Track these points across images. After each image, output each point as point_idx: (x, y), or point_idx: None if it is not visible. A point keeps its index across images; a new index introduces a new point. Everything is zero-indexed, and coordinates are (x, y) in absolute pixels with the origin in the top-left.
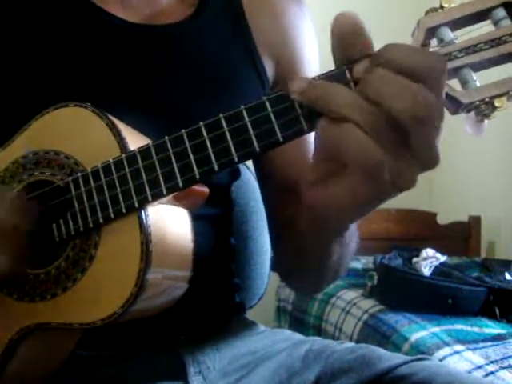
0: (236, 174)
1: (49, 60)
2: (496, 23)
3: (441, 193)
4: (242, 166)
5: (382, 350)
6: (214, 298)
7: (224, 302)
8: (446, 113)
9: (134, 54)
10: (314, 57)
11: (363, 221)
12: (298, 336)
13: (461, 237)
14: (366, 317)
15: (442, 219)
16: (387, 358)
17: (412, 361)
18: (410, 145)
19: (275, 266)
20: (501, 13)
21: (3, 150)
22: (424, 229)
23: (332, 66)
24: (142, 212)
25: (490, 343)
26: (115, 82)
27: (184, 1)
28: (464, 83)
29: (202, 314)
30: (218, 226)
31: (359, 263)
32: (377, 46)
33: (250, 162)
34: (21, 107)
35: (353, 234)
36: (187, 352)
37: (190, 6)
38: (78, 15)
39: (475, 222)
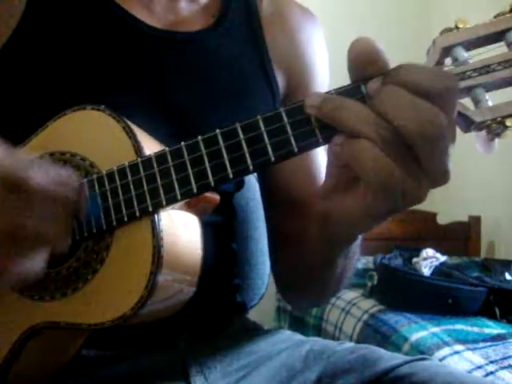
0: (240, 184)
1: (71, 61)
2: (509, 45)
3: (441, 193)
4: None
5: (382, 350)
6: (215, 299)
7: (225, 303)
8: None
9: (154, 59)
10: (325, 72)
11: None
12: (298, 336)
13: (461, 237)
14: (366, 317)
15: (442, 219)
16: (388, 358)
17: (412, 361)
18: (419, 162)
19: (275, 281)
20: None
21: (20, 151)
22: (424, 229)
23: (341, 77)
24: (155, 216)
25: (489, 343)
26: (134, 85)
27: (206, 11)
28: (476, 102)
29: (204, 315)
30: (221, 232)
31: (359, 263)
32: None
33: None
34: (41, 108)
35: (357, 246)
36: (189, 352)
37: (211, 16)
38: (103, 17)
39: (475, 222)
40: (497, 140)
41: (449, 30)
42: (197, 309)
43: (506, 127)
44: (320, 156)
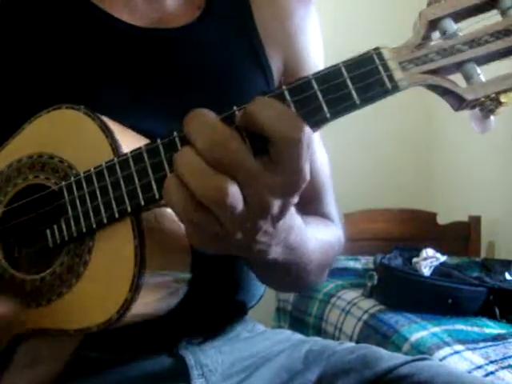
0: None
1: (53, 63)
2: (504, 13)
3: (441, 193)
4: None
5: (382, 350)
6: (214, 299)
7: (225, 303)
8: (444, 112)
9: (139, 58)
10: (319, 56)
11: (363, 221)
12: (298, 336)
13: (461, 237)
14: (366, 317)
15: (442, 219)
16: (388, 357)
17: (413, 361)
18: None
19: None
20: (509, 1)
21: None
22: (424, 229)
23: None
24: (135, 217)
25: (490, 343)
26: (120, 86)
27: (190, 4)
28: (468, 78)
29: (204, 316)
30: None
31: (359, 263)
32: (380, 42)
33: None
34: (24, 110)
35: (304, 255)
36: (190, 355)
37: (196, 8)
38: (84, 19)
39: (475, 222)
40: (492, 117)
41: (436, 0)
42: (197, 310)
43: (501, 103)
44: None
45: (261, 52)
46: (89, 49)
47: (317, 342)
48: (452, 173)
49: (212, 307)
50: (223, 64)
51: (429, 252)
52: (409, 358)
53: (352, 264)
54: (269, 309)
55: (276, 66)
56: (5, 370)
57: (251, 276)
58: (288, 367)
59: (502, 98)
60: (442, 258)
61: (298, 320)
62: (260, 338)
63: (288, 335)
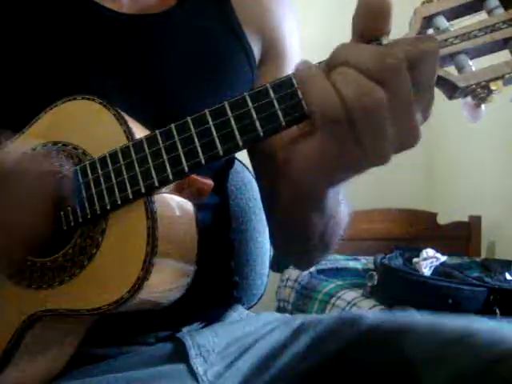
0: (231, 162)
1: (38, 50)
2: (489, 12)
3: (441, 193)
4: (241, 166)
5: (370, 313)
6: (212, 296)
7: (223, 301)
8: (444, 112)
9: (123, 44)
10: (295, 31)
11: (363, 221)
12: (286, 315)
13: (461, 237)
14: None
15: (443, 219)
16: (375, 316)
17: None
18: (358, 139)
19: (271, 240)
20: (494, 2)
21: (13, 143)
22: (424, 229)
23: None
24: (149, 198)
25: None
26: (106, 72)
27: None
28: (460, 68)
29: (201, 311)
30: (216, 214)
31: (359, 263)
32: None
33: (248, 163)
34: (18, 98)
35: (337, 207)
36: (188, 337)
37: None
38: (68, 5)
39: (475, 222)
40: (483, 106)
41: (430, 0)
42: (194, 306)
43: (491, 91)
44: None
45: (240, 32)
46: (76, 35)
47: (307, 316)
48: (452, 173)
49: (211, 304)
50: (206, 46)
51: (429, 252)
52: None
53: (352, 264)
54: (269, 309)
55: (255, 45)
56: (14, 353)
57: (251, 276)
58: (279, 342)
59: (492, 86)
60: (443, 258)
61: None
62: (252, 320)
63: (278, 315)
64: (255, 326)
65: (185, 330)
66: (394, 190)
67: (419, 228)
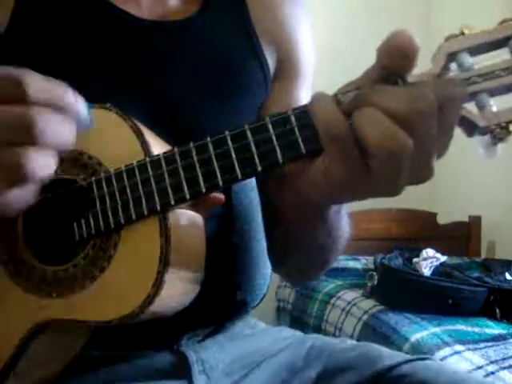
0: None
1: (60, 55)
2: None
3: (441, 193)
4: None
5: (383, 349)
6: (216, 297)
7: (226, 301)
8: None
9: (145, 50)
10: (309, 45)
11: (363, 221)
12: (299, 334)
13: (461, 237)
14: (366, 317)
15: (443, 219)
16: (389, 356)
17: (414, 360)
18: (371, 170)
19: (268, 254)
20: None
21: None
22: (424, 229)
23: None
24: (163, 215)
25: (490, 343)
26: (126, 77)
27: None
28: (481, 107)
29: (206, 313)
30: (221, 218)
31: (359, 263)
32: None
33: None
34: None
35: (340, 218)
36: (191, 351)
37: (196, 2)
38: (90, 10)
39: (475, 222)
40: (499, 145)
41: (454, 36)
42: (200, 307)
43: (510, 132)
44: None
45: (257, 45)
46: (95, 40)
47: (318, 339)
48: (452, 173)
49: (215, 306)
50: (226, 54)
51: (429, 252)
52: (410, 356)
53: (352, 264)
54: (269, 309)
55: (270, 57)
56: (20, 360)
57: (255, 276)
58: (289, 365)
59: None
60: (443, 258)
61: (297, 320)
62: (261, 335)
63: (289, 333)
64: (264, 343)
65: (188, 337)
66: None
67: (419, 228)
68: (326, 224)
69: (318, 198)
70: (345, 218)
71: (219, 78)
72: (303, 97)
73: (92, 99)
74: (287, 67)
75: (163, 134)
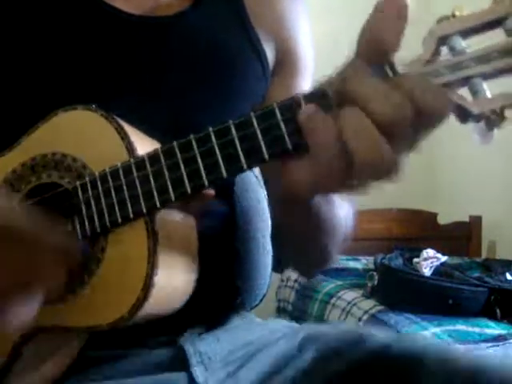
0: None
1: (50, 54)
2: (509, 33)
3: (442, 193)
4: None
5: (376, 332)
6: (216, 297)
7: (226, 301)
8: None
9: (137, 45)
10: (308, 40)
11: (364, 221)
12: (294, 324)
13: (461, 237)
14: (366, 317)
15: (443, 219)
16: (380, 337)
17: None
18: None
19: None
20: None
21: (10, 152)
22: (425, 229)
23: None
24: (150, 218)
25: (490, 344)
26: (118, 74)
27: None
28: (474, 93)
29: (204, 313)
30: (221, 219)
31: (359, 263)
32: None
33: None
34: (22, 103)
35: (331, 208)
36: (189, 344)
37: None
38: (79, 5)
39: (476, 222)
40: (495, 130)
41: (445, 18)
42: (198, 307)
43: (505, 118)
44: None
45: (254, 37)
46: (85, 36)
47: (311, 328)
48: (453, 173)
49: (215, 306)
50: (220, 47)
51: (429, 252)
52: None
53: (352, 264)
54: (269, 309)
55: (269, 51)
56: (13, 365)
57: (255, 277)
58: (284, 353)
59: (507, 113)
60: (443, 259)
61: (298, 320)
62: (258, 327)
63: (285, 324)
64: (260, 334)
65: (187, 334)
66: (394, 190)
67: (419, 228)
68: (311, 210)
69: (295, 190)
70: (336, 200)
71: (214, 70)
72: None
73: (81, 95)
74: (287, 62)
75: (160, 130)
